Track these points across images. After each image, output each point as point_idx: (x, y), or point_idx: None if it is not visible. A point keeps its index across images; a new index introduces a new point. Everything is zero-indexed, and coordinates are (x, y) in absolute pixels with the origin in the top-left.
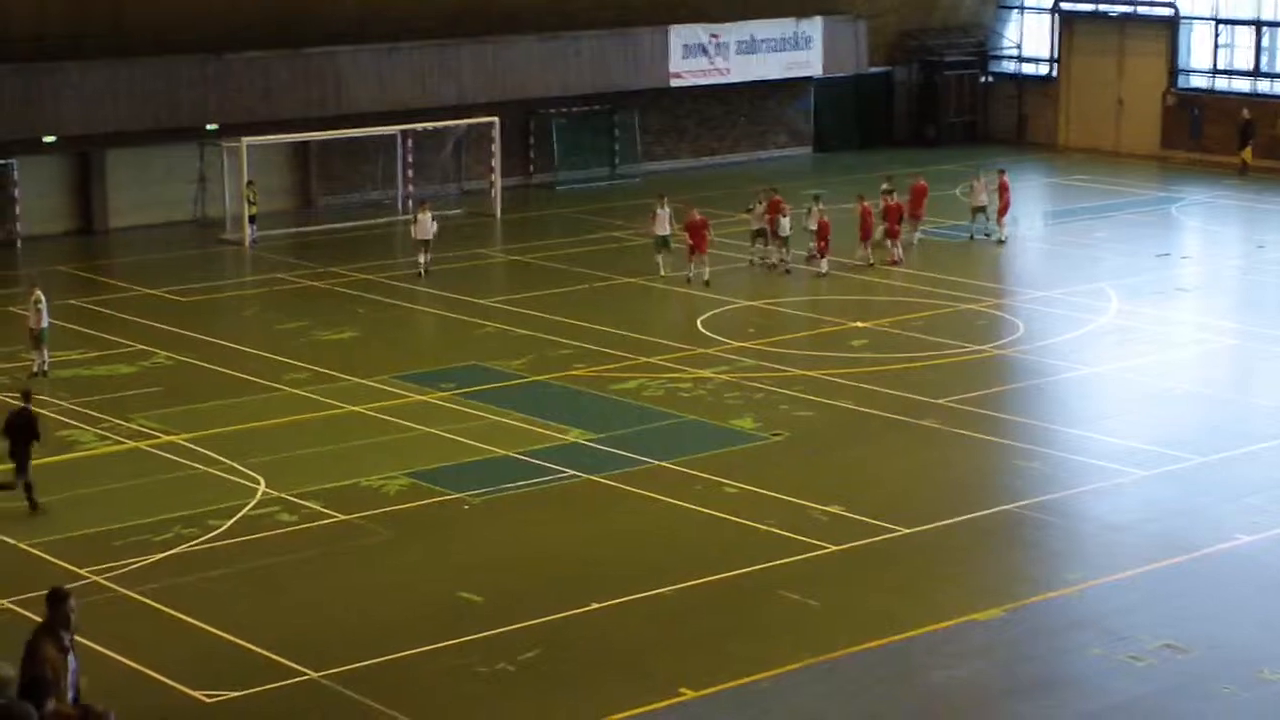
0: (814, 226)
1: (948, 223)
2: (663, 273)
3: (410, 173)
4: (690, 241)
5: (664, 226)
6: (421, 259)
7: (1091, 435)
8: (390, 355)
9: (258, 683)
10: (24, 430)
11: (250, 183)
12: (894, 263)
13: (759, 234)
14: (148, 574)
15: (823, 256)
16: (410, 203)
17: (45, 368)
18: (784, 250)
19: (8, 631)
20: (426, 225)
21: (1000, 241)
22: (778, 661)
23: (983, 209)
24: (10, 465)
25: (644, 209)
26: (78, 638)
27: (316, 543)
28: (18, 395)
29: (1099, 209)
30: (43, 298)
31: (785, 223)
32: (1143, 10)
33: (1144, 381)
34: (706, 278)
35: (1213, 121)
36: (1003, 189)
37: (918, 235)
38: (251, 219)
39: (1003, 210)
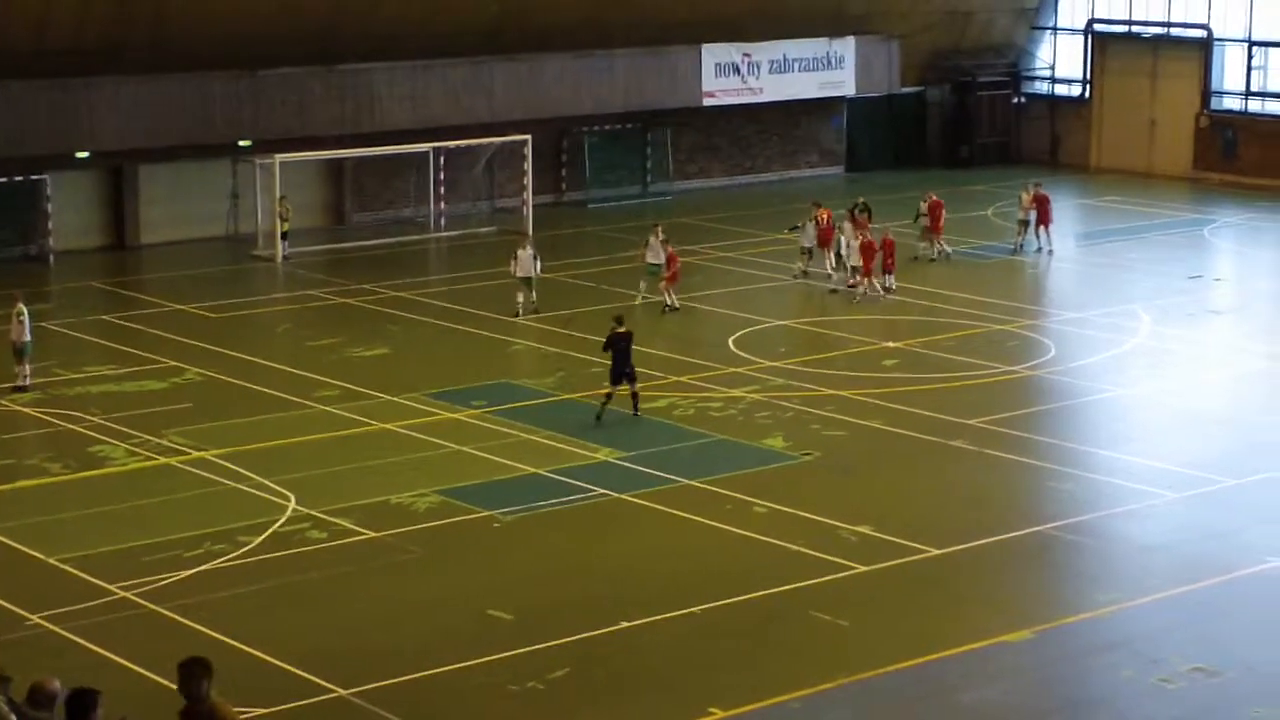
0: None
1: (978, 242)
2: (639, 299)
3: (443, 190)
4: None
5: (656, 255)
6: (520, 298)
7: (1123, 457)
8: (421, 373)
9: (287, 700)
10: (624, 348)
11: (283, 199)
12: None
13: (806, 251)
14: (177, 590)
15: (878, 275)
16: (443, 220)
17: (28, 382)
18: (843, 271)
19: (37, 646)
20: (528, 263)
21: (1050, 252)
22: (808, 682)
23: (1027, 223)
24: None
25: (675, 227)
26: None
27: (346, 560)
28: (613, 321)
29: (1131, 230)
30: (25, 311)
31: (844, 241)
32: (1176, 31)
33: (1176, 403)
34: (668, 306)
35: (1246, 143)
36: (1040, 201)
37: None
38: (284, 235)
39: (1044, 222)
